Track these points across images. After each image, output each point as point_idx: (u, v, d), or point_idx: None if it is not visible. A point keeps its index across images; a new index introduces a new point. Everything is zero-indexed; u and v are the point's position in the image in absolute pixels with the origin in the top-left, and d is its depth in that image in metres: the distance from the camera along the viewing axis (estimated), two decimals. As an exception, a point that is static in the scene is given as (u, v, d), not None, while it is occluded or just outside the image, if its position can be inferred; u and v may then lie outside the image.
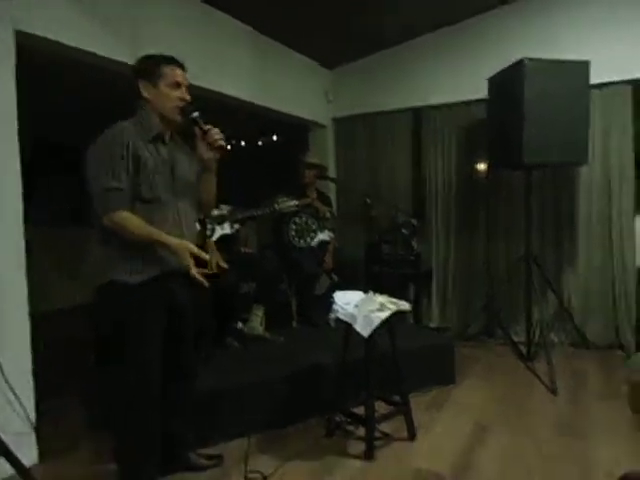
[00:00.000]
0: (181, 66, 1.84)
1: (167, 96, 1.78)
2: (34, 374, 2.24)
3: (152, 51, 1.89)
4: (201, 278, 1.77)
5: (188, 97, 1.81)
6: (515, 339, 4.02)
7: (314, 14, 3.65)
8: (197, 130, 1.81)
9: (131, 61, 1.95)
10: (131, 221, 1.73)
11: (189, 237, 1.88)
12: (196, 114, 1.78)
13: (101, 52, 2.59)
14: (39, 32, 2.27)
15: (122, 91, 1.90)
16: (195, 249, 1.76)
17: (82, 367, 2.98)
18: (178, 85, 1.80)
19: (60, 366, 3.23)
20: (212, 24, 3.41)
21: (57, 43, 2.38)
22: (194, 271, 1.75)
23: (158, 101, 1.79)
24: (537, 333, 3.67)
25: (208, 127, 1.79)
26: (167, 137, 1.88)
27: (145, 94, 1.80)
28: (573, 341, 3.97)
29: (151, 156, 1.78)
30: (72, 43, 2.43)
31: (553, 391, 3.07)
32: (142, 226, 1.74)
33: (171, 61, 1.83)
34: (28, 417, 2.10)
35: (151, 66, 1.81)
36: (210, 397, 2.41)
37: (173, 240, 1.76)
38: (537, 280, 3.67)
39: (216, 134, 1.80)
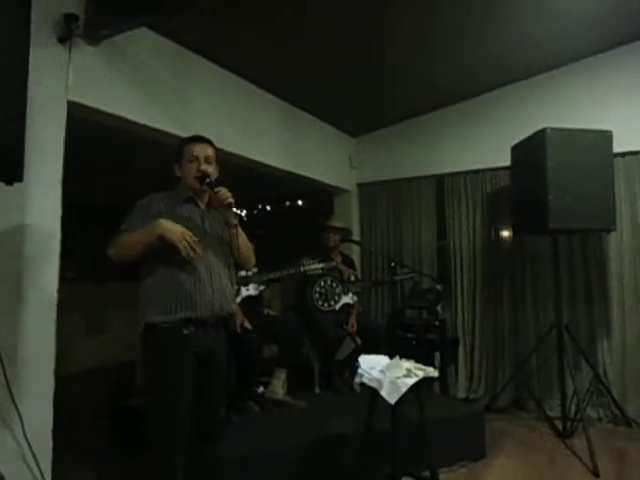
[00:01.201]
0: (199, 140, 2.09)
1: (187, 171, 2.05)
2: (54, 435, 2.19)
3: (196, 120, 2.02)
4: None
5: (203, 168, 2.03)
6: (549, 413, 3.79)
7: (340, 86, 3.87)
8: (211, 193, 2.02)
9: (176, 131, 2.07)
10: (125, 235, 1.87)
11: (218, 290, 1.95)
12: (208, 180, 2.01)
13: (146, 121, 2.76)
14: (89, 102, 2.45)
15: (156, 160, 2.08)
16: (189, 234, 1.85)
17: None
18: (196, 159, 2.03)
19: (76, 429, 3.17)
20: (246, 96, 3.64)
21: (104, 113, 2.55)
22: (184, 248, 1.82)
23: (184, 176, 2.07)
24: (573, 408, 3.46)
25: (218, 189, 1.99)
26: (202, 204, 2.08)
27: (177, 174, 2.10)
28: (612, 417, 3.72)
29: (174, 213, 1.96)
30: (120, 113, 2.62)
31: (595, 473, 2.85)
32: (132, 234, 1.86)
33: (190, 140, 2.10)
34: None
35: (177, 149, 2.11)
36: (226, 464, 2.29)
37: (164, 222, 1.85)
38: (570, 349, 3.52)
39: (224, 194, 1.98)
